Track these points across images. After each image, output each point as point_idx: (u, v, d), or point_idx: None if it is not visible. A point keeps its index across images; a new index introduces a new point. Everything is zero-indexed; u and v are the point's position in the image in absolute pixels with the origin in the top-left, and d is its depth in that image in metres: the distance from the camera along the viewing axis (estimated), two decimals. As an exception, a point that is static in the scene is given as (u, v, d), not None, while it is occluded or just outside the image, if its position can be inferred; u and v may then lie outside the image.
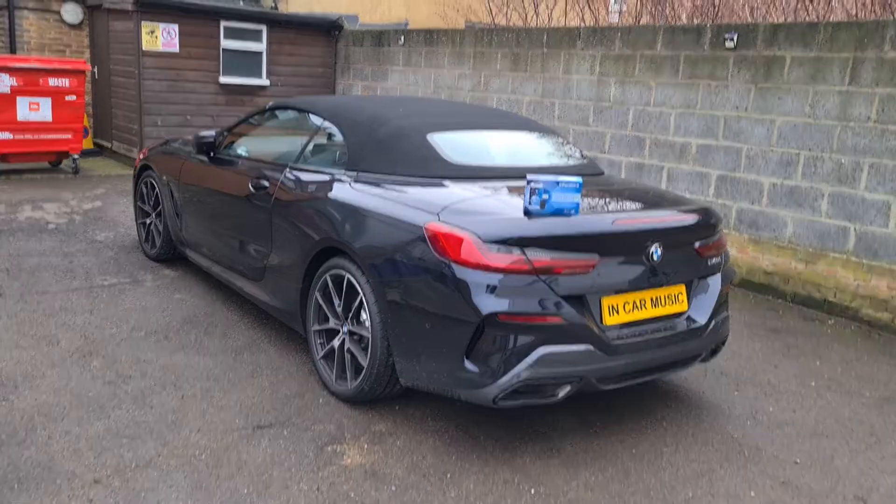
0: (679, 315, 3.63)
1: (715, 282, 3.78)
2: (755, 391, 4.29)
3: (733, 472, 3.37)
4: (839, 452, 3.63)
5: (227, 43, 10.26)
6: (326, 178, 4.03)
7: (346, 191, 3.83)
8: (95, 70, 11.10)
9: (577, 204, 3.29)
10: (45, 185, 8.81)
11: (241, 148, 5.00)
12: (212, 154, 5.09)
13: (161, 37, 9.75)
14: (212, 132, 5.11)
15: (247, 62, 10.52)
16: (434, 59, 9.54)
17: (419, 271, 3.30)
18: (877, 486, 3.32)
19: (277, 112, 5.00)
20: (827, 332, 5.55)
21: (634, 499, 3.09)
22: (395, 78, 10.19)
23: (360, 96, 4.99)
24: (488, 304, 3.12)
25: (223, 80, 10.30)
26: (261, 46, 10.57)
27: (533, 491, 3.09)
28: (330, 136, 4.40)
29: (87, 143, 10.89)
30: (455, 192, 3.57)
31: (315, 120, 4.55)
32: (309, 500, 2.91)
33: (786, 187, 6.17)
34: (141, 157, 6.19)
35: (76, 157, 9.55)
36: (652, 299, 3.51)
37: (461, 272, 3.16)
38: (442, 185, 3.69)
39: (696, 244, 3.68)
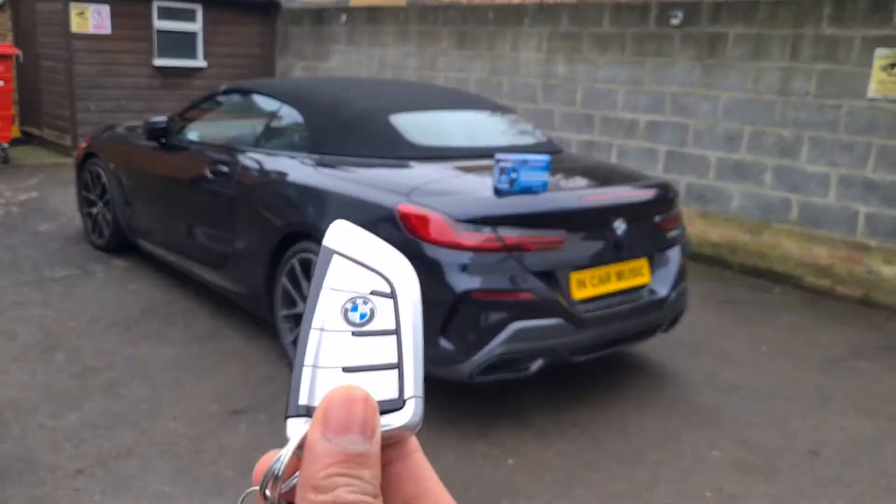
0: (642, 287, 3.75)
1: (674, 254, 3.92)
2: (711, 359, 4.47)
3: (696, 434, 3.52)
4: (792, 412, 3.82)
5: (160, 24, 9.95)
6: (290, 161, 4.00)
7: (312, 174, 3.81)
8: (20, 54, 10.63)
9: (545, 182, 3.36)
10: (-23, 176, 8.45)
11: (195, 133, 4.90)
12: (163, 140, 4.97)
13: (91, 18, 9.40)
14: (163, 117, 4.99)
15: (182, 43, 10.23)
16: (378, 37, 9.47)
17: (391, 252, 3.32)
18: (828, 441, 3.52)
19: (231, 95, 4.92)
20: (774, 300, 5.80)
21: (607, 464, 3.20)
22: (337, 57, 10.08)
23: (316, 77, 4.94)
24: (461, 282, 3.17)
25: (158, 62, 9.99)
26: (196, 27, 10.29)
27: (511, 461, 3.18)
28: (289, 119, 4.36)
29: (14, 132, 10.44)
30: (422, 172, 3.60)
31: (272, 103, 4.50)
32: (292, 482, 2.93)
33: (731, 161, 6.39)
34: (84, 144, 6.00)
35: (5, 145, 9.16)
36: (616, 273, 3.62)
37: (434, 252, 3.20)
38: (407, 167, 3.71)
39: (657, 218, 3.80)
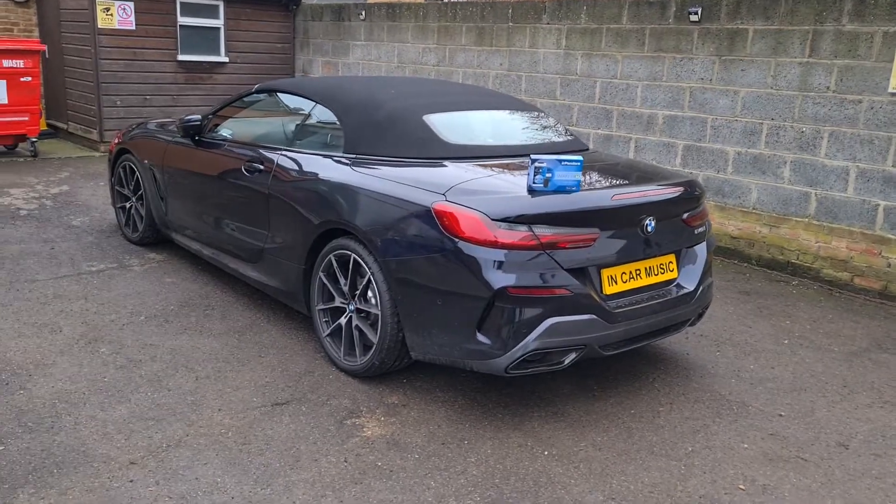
0: (670, 283, 3.85)
1: (701, 250, 4.02)
2: (735, 351, 4.57)
3: (725, 426, 3.63)
4: (818, 404, 3.92)
5: (184, 19, 10.09)
6: (325, 160, 4.11)
7: (347, 173, 3.92)
8: (46, 49, 10.78)
9: (579, 181, 3.45)
10: (6, 170, 8.60)
11: (228, 131, 5.02)
12: (197, 137, 5.10)
13: (117, 14, 9.54)
14: (197, 116, 5.11)
15: (205, 39, 10.36)
16: (397, 33, 9.56)
17: (429, 250, 3.44)
18: (855, 433, 3.62)
19: (263, 95, 5.03)
20: (793, 292, 5.88)
21: (640, 455, 3.32)
22: (356, 53, 10.17)
23: (348, 77, 5.05)
24: (498, 278, 3.28)
25: (182, 57, 10.14)
26: (218, 22, 10.42)
27: (546, 453, 3.29)
28: (322, 118, 4.46)
29: (41, 125, 10.60)
30: (457, 172, 3.70)
31: (305, 103, 4.60)
32: (339, 471, 3.06)
33: (750, 155, 6.46)
34: (116, 140, 6.14)
35: (34, 139, 9.32)
36: (646, 269, 3.72)
37: (471, 249, 3.31)
38: (442, 166, 3.82)
39: (684, 215, 3.89)
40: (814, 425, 3.69)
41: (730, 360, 4.42)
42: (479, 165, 3.83)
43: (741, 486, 3.11)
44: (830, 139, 5.97)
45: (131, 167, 5.85)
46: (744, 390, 4.03)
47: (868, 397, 4.03)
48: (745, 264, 6.56)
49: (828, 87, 5.93)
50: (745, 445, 3.46)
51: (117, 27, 9.53)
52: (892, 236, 5.75)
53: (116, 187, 6.11)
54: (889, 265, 5.78)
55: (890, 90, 5.64)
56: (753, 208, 6.51)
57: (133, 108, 9.76)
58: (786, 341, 4.79)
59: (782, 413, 3.80)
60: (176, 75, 10.13)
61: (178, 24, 10.01)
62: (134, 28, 9.66)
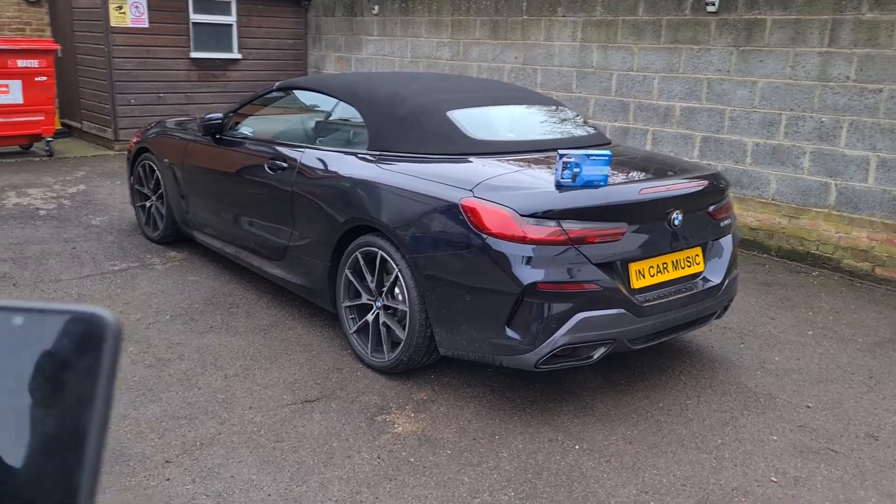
0: (697, 276, 3.85)
1: (727, 243, 4.01)
2: (759, 343, 4.57)
3: (754, 418, 3.63)
4: (845, 395, 3.92)
5: (196, 16, 10.11)
6: (350, 157, 4.12)
7: (373, 170, 3.93)
8: (60, 48, 10.81)
9: (606, 176, 3.45)
10: (22, 170, 8.65)
11: (249, 129, 5.04)
12: (218, 136, 5.11)
13: (129, 12, 9.56)
14: (218, 114, 5.12)
15: (217, 36, 10.38)
16: (410, 27, 9.55)
17: (457, 246, 3.44)
18: (884, 424, 3.61)
19: (284, 93, 5.04)
20: (813, 283, 5.87)
21: (671, 449, 3.32)
22: (370, 48, 10.17)
23: (369, 73, 5.06)
24: (528, 274, 3.29)
25: (195, 54, 10.16)
26: (230, 19, 10.43)
27: (577, 447, 3.30)
28: (346, 115, 4.47)
29: (56, 124, 10.65)
30: (483, 168, 3.70)
31: (327, 100, 4.61)
32: (373, 467, 3.08)
33: (769, 146, 6.44)
34: (135, 139, 6.16)
35: (49, 139, 9.37)
36: (673, 262, 3.72)
37: (500, 245, 3.32)
38: (468, 161, 3.82)
39: (710, 208, 3.89)
40: (842, 416, 3.68)
41: (754, 352, 4.41)
42: (505, 161, 3.83)
43: (773, 479, 3.12)
44: (850, 129, 5.94)
45: (151, 166, 5.88)
46: (770, 382, 4.03)
47: (895, 388, 4.02)
48: (765, 255, 6.55)
49: (847, 77, 5.90)
50: (775, 437, 3.46)
51: (130, 25, 9.55)
52: (914, 226, 5.72)
53: (136, 186, 6.14)
54: (910, 255, 5.76)
55: (911, 79, 5.60)
56: (772, 199, 6.49)
57: (147, 107, 9.79)
58: (809, 332, 4.78)
59: (810, 405, 3.80)
60: (189, 73, 10.15)
61: (191, 21, 10.02)
62: (147, 26, 9.68)
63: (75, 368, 0.38)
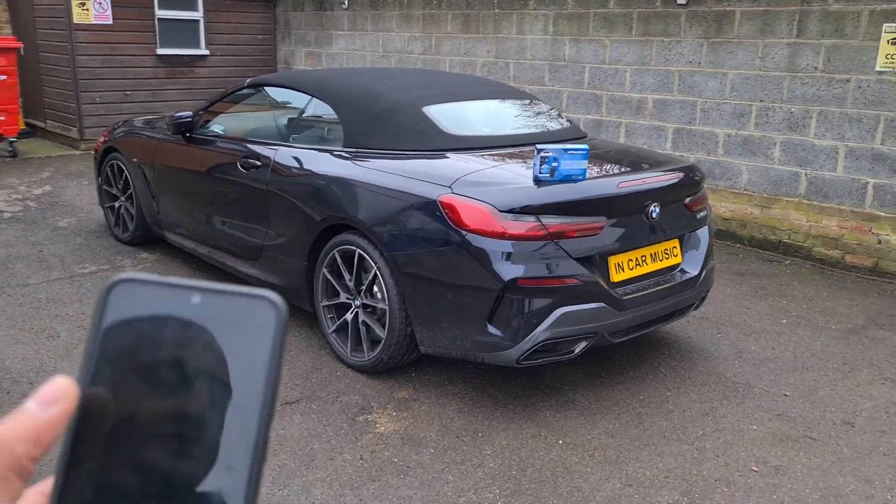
0: (675, 268, 3.87)
1: (703, 234, 4.04)
2: (735, 332, 4.61)
3: (733, 408, 3.66)
4: (820, 383, 3.97)
5: (161, 12, 9.93)
6: (324, 155, 4.07)
7: (349, 167, 3.89)
8: (23, 48, 10.56)
9: (585, 170, 3.45)
10: (-15, 171, 8.45)
11: (220, 127, 4.96)
12: (188, 134, 5.02)
13: (93, 8, 9.36)
14: (187, 112, 5.03)
15: (184, 32, 10.21)
16: (381, 22, 9.48)
17: (436, 243, 3.42)
18: (860, 411, 3.67)
19: (255, 89, 4.96)
20: (786, 271, 5.94)
21: (653, 441, 3.34)
22: (340, 43, 10.08)
23: (342, 69, 5.01)
24: (508, 270, 3.27)
25: (161, 51, 9.98)
26: (197, 14, 10.27)
27: (560, 442, 3.31)
28: (319, 112, 4.42)
29: (20, 124, 10.41)
30: (461, 163, 3.68)
31: (300, 97, 4.55)
32: (356, 468, 3.05)
33: (740, 137, 6.50)
34: (102, 139, 6.04)
35: (13, 139, 9.15)
36: (651, 255, 3.74)
37: (479, 242, 3.30)
38: (445, 157, 3.80)
39: (686, 200, 3.91)
40: (818, 404, 3.73)
41: (731, 342, 4.45)
42: (482, 156, 3.81)
43: (754, 468, 3.15)
44: (819, 119, 6.02)
45: (119, 166, 5.76)
46: (748, 372, 4.07)
47: (869, 374, 4.08)
48: (738, 245, 6.62)
49: (815, 68, 5.97)
50: (754, 427, 3.49)
51: (94, 21, 9.35)
52: (882, 213, 5.82)
53: (104, 186, 6.02)
54: (879, 242, 5.85)
55: (877, 69, 5.68)
56: (745, 189, 6.55)
57: (113, 105, 9.61)
58: (784, 321, 4.84)
59: (787, 393, 3.84)
60: (156, 70, 9.98)
61: (157, 16, 9.84)
62: (111, 22, 9.49)
63: (246, 350, 0.39)
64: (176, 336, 0.40)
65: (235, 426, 0.40)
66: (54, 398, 0.37)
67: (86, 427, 0.39)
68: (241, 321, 0.40)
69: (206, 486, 0.40)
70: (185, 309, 0.40)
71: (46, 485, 0.39)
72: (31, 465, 0.36)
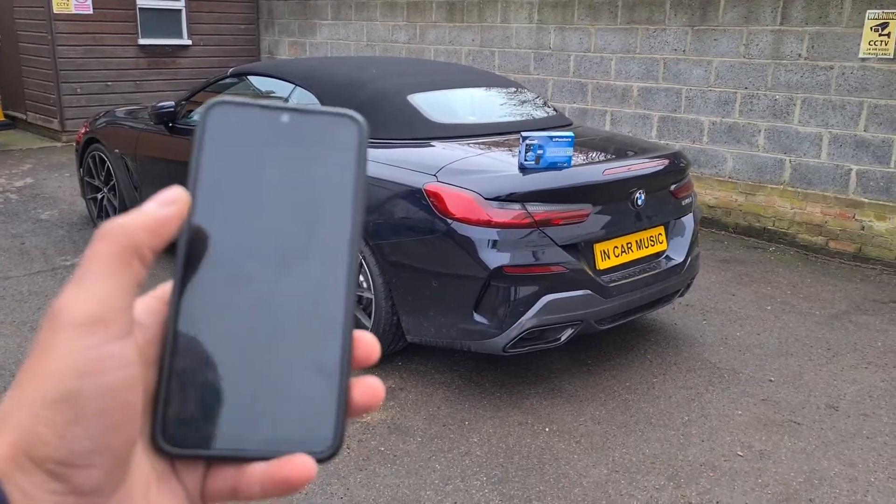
0: (660, 255, 3.88)
1: (688, 221, 4.05)
2: (721, 319, 4.63)
3: (718, 394, 3.68)
4: (805, 368, 4.00)
5: (143, 2, 9.82)
6: (309, 144, 4.03)
7: (333, 156, 3.86)
8: (0, 38, 10.43)
9: (570, 157, 3.44)
10: (-35, 164, 8.34)
11: (203, 116, 4.91)
12: (171, 124, 4.97)
13: (73, -2, 9.24)
14: (170, 102, 4.98)
15: (166, 21, 10.11)
16: (365, 11, 9.42)
17: (422, 232, 3.41)
18: (843, 395, 3.70)
19: (238, 78, 4.92)
20: (770, 258, 5.98)
21: (639, 427, 3.35)
22: (324, 32, 10.01)
23: (326, 58, 4.99)
24: (494, 258, 3.27)
25: (143, 41, 9.88)
26: (179, 4, 10.17)
27: (547, 429, 3.31)
28: (303, 101, 4.37)
29: (-1, 116, 10.30)
30: (446, 152, 3.66)
31: (284, 86, 4.51)
32: (343, 458, 3.04)
33: (725, 125, 6.51)
34: (83, 130, 5.98)
35: (-7, 131, 9.04)
36: (637, 242, 3.74)
37: (465, 230, 3.29)
38: (430, 146, 3.78)
39: (672, 187, 3.91)
40: (803, 389, 3.76)
41: (717, 329, 4.48)
42: (467, 144, 3.80)
43: (739, 453, 3.17)
44: (803, 106, 6.04)
45: (101, 157, 5.70)
46: (733, 357, 4.09)
47: (852, 359, 4.11)
48: (723, 232, 6.65)
49: (799, 55, 5.99)
50: (739, 412, 3.51)
51: (74, 11, 9.24)
52: (865, 199, 5.85)
53: (86, 178, 5.96)
54: (863, 228, 5.89)
55: (860, 55, 5.71)
56: (729, 177, 6.58)
57: (94, 96, 9.51)
58: (768, 307, 4.86)
59: (772, 378, 3.86)
60: (138, 60, 9.87)
61: (138, 6, 9.73)
62: (91, 12, 9.37)
63: (334, 164, 0.42)
64: (269, 154, 0.42)
65: (332, 233, 0.42)
66: (172, 200, 0.40)
67: (195, 246, 0.41)
68: (327, 137, 0.42)
69: (313, 280, 0.41)
70: (276, 127, 0.42)
71: (163, 290, 0.41)
72: (150, 254, 0.38)
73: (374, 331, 3.63)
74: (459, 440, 3.20)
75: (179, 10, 10.15)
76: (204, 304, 0.41)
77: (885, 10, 5.52)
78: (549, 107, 4.68)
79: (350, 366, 0.41)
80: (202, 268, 0.41)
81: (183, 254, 0.41)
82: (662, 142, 6.86)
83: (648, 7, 6.81)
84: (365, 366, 0.43)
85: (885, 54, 5.58)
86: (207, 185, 0.41)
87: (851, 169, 5.88)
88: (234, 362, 0.40)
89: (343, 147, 0.42)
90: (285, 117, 0.42)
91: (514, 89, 4.74)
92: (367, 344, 0.42)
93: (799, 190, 6.17)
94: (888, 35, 5.54)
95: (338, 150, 0.42)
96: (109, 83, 9.67)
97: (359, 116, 0.43)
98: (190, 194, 0.41)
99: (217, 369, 0.40)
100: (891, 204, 5.72)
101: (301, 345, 0.41)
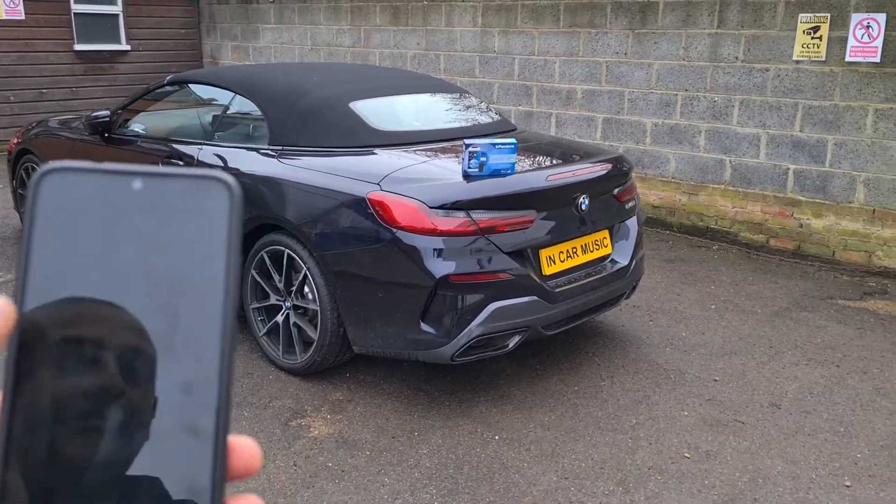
0: (605, 258, 3.90)
1: (633, 224, 4.09)
2: (666, 319, 4.69)
3: (665, 395, 3.73)
4: (748, 367, 4.07)
5: (78, 6, 9.54)
6: (251, 153, 3.96)
7: (275, 166, 3.79)
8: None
9: (513, 164, 3.44)
10: None
11: (140, 126, 4.78)
12: (106, 134, 4.83)
13: (3, 3, 8.93)
14: (105, 111, 4.84)
15: (103, 27, 9.84)
16: (309, 14, 9.31)
17: (366, 241, 3.37)
18: (785, 392, 3.78)
19: (177, 86, 4.80)
20: (714, 257, 6.09)
21: (588, 432, 3.37)
22: (267, 37, 9.87)
23: (267, 65, 4.89)
24: (440, 266, 3.24)
25: (79, 47, 9.59)
26: (116, 9, 9.90)
27: (497, 437, 3.30)
28: (244, 110, 4.30)
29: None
30: (389, 160, 3.63)
31: (223, 94, 4.42)
32: (289, 475, 2.98)
33: (667, 126, 6.62)
34: (15, 140, 5.77)
35: (-80, 141, 8.67)
36: (582, 246, 3.76)
37: (410, 239, 3.26)
38: (373, 154, 3.74)
39: (615, 191, 3.94)
40: (746, 388, 3.83)
41: (663, 329, 4.53)
42: (411, 152, 3.77)
43: (686, 454, 3.20)
44: (741, 107, 6.17)
45: (34, 168, 5.51)
46: (679, 358, 4.14)
47: (793, 356, 4.21)
48: (668, 232, 6.75)
49: (736, 57, 6.12)
50: (686, 413, 3.56)
51: (5, 17, 8.92)
52: (802, 198, 6.01)
53: (19, 190, 5.75)
54: (801, 226, 6.05)
55: (794, 58, 5.85)
56: (672, 177, 6.68)
57: (28, 104, 9.20)
58: (712, 306, 4.95)
59: (717, 378, 3.92)
60: (73, 66, 9.58)
61: (73, 11, 9.45)
62: (23, 18, 9.06)
63: (199, 235, 0.36)
64: (118, 228, 0.36)
65: (199, 317, 0.36)
66: None
67: (29, 345, 0.36)
68: (190, 205, 0.36)
69: (177, 377, 0.36)
70: (126, 196, 0.36)
71: None
72: None
73: (321, 343, 3.58)
74: (408, 452, 3.17)
75: (117, 15, 9.89)
76: (38, 409, 0.36)
77: (817, 14, 5.67)
78: (493, 112, 4.68)
79: (224, 482, 0.36)
80: (35, 366, 0.36)
81: (14, 350, 0.36)
82: (607, 143, 6.94)
83: (590, 11, 6.88)
84: (245, 477, 0.38)
85: (817, 57, 5.74)
86: (41, 270, 0.36)
87: (789, 168, 6.03)
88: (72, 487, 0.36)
89: (210, 215, 0.37)
90: (137, 183, 0.36)
91: (458, 95, 4.73)
92: (247, 452, 0.38)
93: (739, 189, 6.30)
94: (820, 38, 5.70)
95: (203, 220, 0.37)
96: (44, 91, 9.37)
97: (229, 178, 0.38)
98: (19, 283, 0.36)
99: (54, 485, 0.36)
100: (827, 202, 5.88)
101: (161, 464, 0.36)
